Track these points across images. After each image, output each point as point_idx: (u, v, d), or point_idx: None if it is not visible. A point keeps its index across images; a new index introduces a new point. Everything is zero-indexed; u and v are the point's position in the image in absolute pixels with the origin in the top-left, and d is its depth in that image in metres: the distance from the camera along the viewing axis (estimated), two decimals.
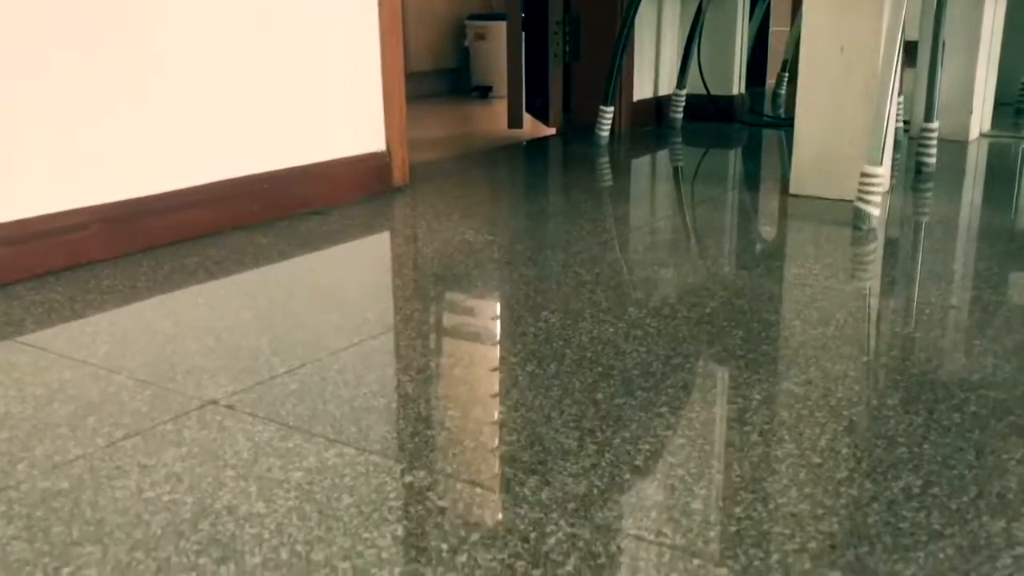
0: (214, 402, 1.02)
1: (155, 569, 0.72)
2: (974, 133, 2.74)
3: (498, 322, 1.27)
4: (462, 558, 0.73)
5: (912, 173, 2.28)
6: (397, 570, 0.72)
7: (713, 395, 1.03)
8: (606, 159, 2.56)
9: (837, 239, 1.68)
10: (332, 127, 1.97)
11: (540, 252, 1.61)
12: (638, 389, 1.04)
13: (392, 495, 0.82)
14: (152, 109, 1.62)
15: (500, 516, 0.79)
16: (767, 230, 1.78)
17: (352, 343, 1.19)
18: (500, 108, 3.82)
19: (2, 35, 1.40)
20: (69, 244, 1.51)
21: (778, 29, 4.47)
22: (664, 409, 0.99)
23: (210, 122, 1.72)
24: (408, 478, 0.85)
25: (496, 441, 0.92)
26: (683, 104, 3.05)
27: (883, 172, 1.75)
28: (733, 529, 0.77)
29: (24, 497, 0.83)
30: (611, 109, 2.71)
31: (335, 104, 1.97)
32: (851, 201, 1.91)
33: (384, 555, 0.74)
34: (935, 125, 2.24)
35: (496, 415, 0.98)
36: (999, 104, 3.16)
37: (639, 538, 0.76)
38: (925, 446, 0.91)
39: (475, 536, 0.76)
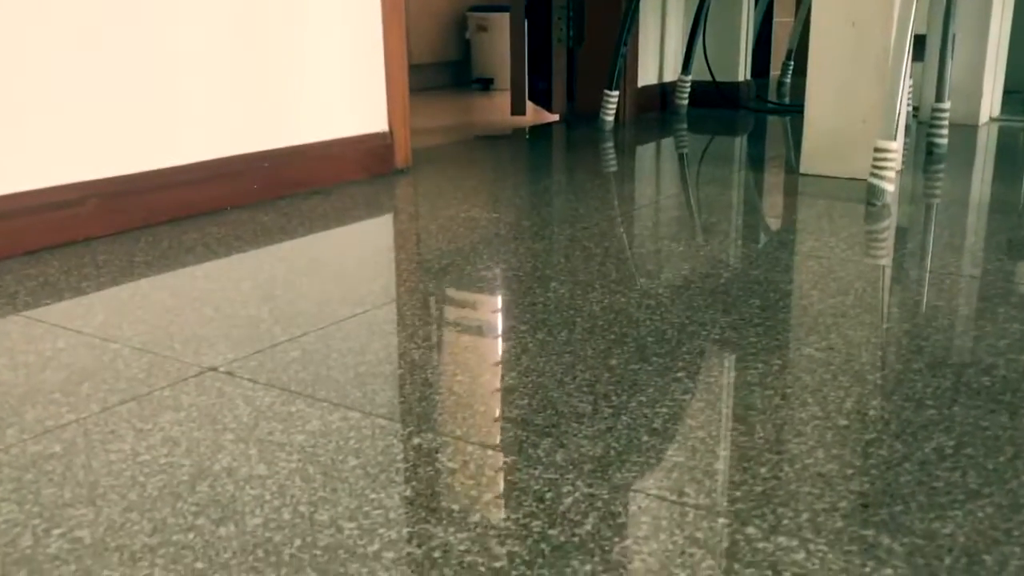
0: (213, 369, 0.98)
1: (151, 530, 0.68)
2: (984, 117, 2.70)
3: (506, 293, 1.23)
4: (474, 518, 0.69)
5: (923, 156, 2.24)
6: (406, 530, 0.68)
7: (731, 361, 0.99)
8: (611, 143, 2.52)
9: (851, 215, 1.64)
10: (334, 106, 1.94)
11: (546, 227, 1.58)
12: (653, 355, 1.01)
13: (400, 457, 0.79)
14: (152, 84, 1.58)
15: (513, 477, 0.75)
16: (779, 207, 1.75)
17: (355, 313, 1.15)
18: (502, 100, 3.78)
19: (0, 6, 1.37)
20: (65, 219, 1.47)
21: (782, 20, 4.44)
22: (681, 374, 0.96)
23: (210, 99, 1.68)
24: (416, 440, 0.82)
25: (507, 405, 0.88)
26: (688, 90, 3.01)
27: (897, 147, 1.71)
28: (759, 489, 0.73)
29: (14, 460, 0.79)
30: (616, 93, 2.68)
31: (336, 83, 1.94)
32: (863, 180, 1.87)
33: (392, 515, 0.70)
34: (947, 105, 2.21)
35: (506, 380, 0.94)
36: (1007, 92, 3.12)
37: (661, 498, 0.72)
38: (955, 408, 0.87)
39: (487, 496, 0.72)
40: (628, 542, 0.66)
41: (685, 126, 2.84)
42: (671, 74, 3.17)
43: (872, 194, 1.71)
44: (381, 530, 0.68)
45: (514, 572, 0.62)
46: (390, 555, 0.65)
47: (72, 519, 0.70)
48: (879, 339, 1.05)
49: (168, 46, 1.60)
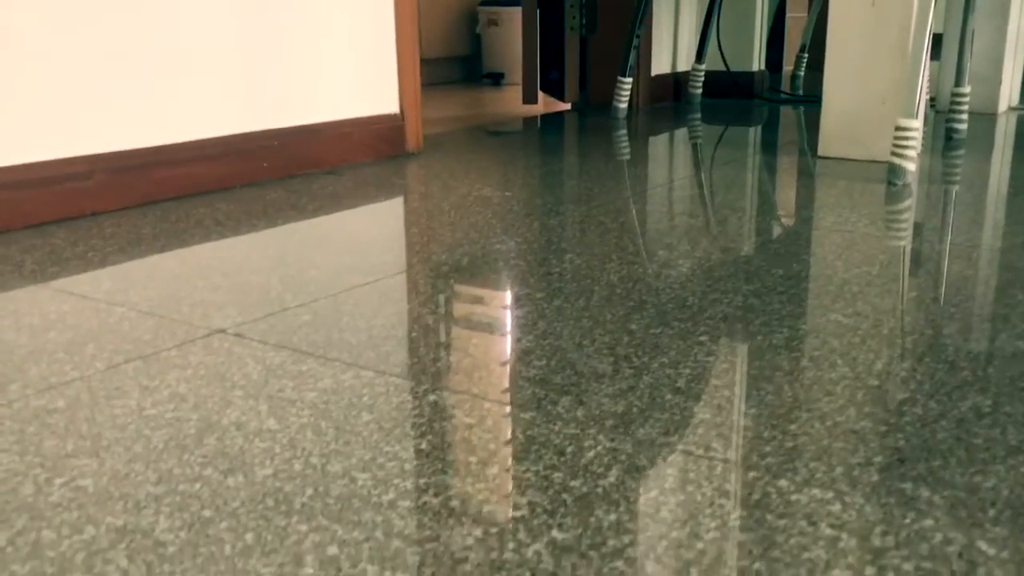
0: (222, 331, 0.96)
1: (156, 479, 0.65)
2: (1003, 106, 2.66)
3: (520, 263, 1.20)
4: (492, 470, 0.66)
5: (942, 142, 2.20)
6: (422, 480, 0.65)
7: (756, 326, 0.96)
8: (624, 130, 2.49)
9: (872, 194, 1.61)
10: (344, 87, 1.91)
11: (561, 205, 1.55)
12: (674, 320, 0.98)
13: (415, 413, 0.76)
14: (161, 58, 1.56)
15: (532, 432, 0.72)
16: (798, 187, 1.71)
17: (368, 281, 1.12)
18: (512, 94, 3.76)
19: None
20: (71, 193, 1.45)
21: (795, 15, 4.40)
22: (704, 338, 0.93)
23: (221, 75, 1.66)
24: (432, 397, 0.79)
25: (524, 366, 0.85)
26: (702, 80, 2.98)
27: (918, 125, 1.68)
28: (790, 445, 0.70)
29: (16, 414, 0.76)
30: (629, 80, 2.65)
31: (348, 63, 1.91)
32: (882, 163, 1.84)
33: (407, 467, 0.67)
34: (967, 90, 2.17)
35: (523, 343, 0.91)
36: None
37: (687, 452, 0.69)
38: (990, 370, 0.84)
39: (506, 450, 0.69)
40: (654, 493, 0.63)
41: (699, 115, 2.81)
42: (685, 63, 3.14)
43: (893, 173, 1.67)
44: (396, 480, 0.65)
45: (535, 521, 0.60)
46: (406, 504, 0.62)
47: (74, 469, 0.67)
48: (907, 306, 1.02)
49: (178, 21, 1.58)
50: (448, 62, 4.49)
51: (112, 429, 0.73)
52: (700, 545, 0.57)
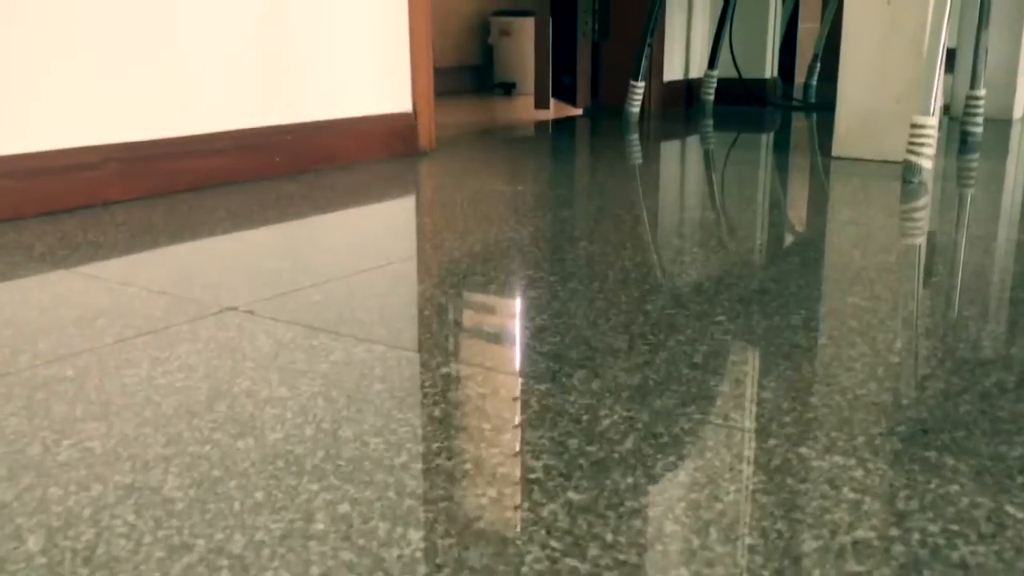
0: (233, 308, 0.95)
1: (165, 442, 0.64)
2: (1018, 113, 2.65)
3: (534, 250, 1.19)
4: (506, 436, 0.65)
5: (957, 145, 2.19)
6: (435, 445, 0.64)
7: (773, 307, 0.95)
8: (637, 133, 2.49)
9: (887, 191, 1.59)
10: (358, 84, 1.91)
11: (574, 198, 1.54)
12: (690, 302, 0.96)
13: (428, 383, 0.75)
14: (176, 51, 1.56)
15: (547, 402, 0.71)
16: (812, 184, 1.70)
17: (380, 264, 1.12)
18: (524, 103, 3.76)
19: None
20: (83, 182, 1.45)
21: (807, 26, 4.40)
22: (721, 318, 0.91)
23: (236, 69, 1.66)
24: (444, 370, 0.78)
25: (538, 341, 0.84)
26: (714, 86, 2.97)
27: (934, 123, 1.67)
28: (810, 415, 0.69)
29: (25, 382, 0.75)
30: (642, 84, 2.64)
31: (362, 61, 1.91)
32: (897, 163, 1.82)
33: (420, 432, 0.66)
34: (982, 92, 2.16)
35: (536, 321, 0.90)
36: None
37: (705, 422, 0.67)
38: (1013, 350, 0.82)
39: (521, 418, 0.68)
40: (672, 458, 0.62)
41: (712, 120, 2.80)
42: (697, 70, 3.13)
43: (908, 171, 1.66)
44: (409, 444, 0.64)
45: (551, 483, 0.58)
46: (418, 466, 0.61)
47: (83, 432, 0.66)
48: (927, 290, 1.00)
49: (194, 15, 1.58)
50: (460, 72, 4.50)
51: (121, 396, 0.72)
52: (719, 506, 0.56)
